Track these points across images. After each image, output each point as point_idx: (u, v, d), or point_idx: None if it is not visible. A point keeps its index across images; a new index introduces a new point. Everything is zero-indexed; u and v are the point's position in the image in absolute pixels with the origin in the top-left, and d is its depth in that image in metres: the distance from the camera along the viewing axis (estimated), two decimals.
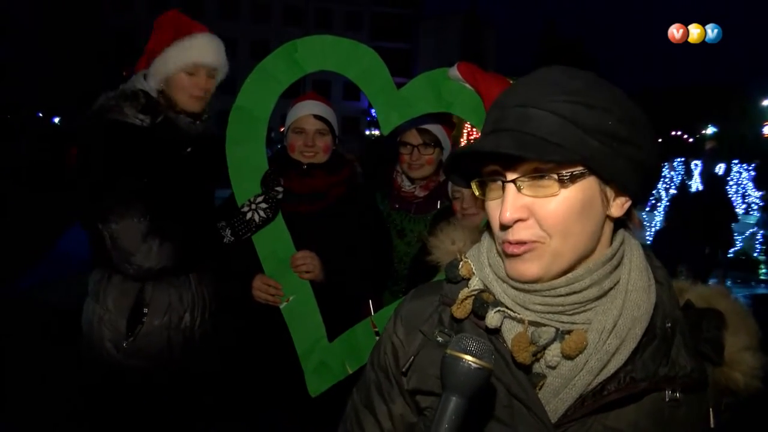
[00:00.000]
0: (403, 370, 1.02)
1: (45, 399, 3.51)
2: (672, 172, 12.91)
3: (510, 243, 0.90)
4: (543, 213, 0.88)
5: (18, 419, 3.33)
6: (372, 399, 1.08)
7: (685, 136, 34.29)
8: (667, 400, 0.90)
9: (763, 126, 22.66)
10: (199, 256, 2.13)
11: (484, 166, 0.93)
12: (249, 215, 2.18)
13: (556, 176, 0.87)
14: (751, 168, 12.33)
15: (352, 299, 2.38)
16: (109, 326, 2.04)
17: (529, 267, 0.89)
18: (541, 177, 0.87)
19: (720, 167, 12.79)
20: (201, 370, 2.19)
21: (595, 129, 0.85)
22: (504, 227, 0.89)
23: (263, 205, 2.19)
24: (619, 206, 0.92)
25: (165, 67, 2.10)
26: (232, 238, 2.15)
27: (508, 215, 0.87)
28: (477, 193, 0.95)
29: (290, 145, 2.38)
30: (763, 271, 9.93)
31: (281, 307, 2.27)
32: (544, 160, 0.85)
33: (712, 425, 0.92)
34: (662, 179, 12.76)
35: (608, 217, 0.93)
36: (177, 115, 2.12)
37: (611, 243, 0.94)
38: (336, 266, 2.31)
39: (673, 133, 34.77)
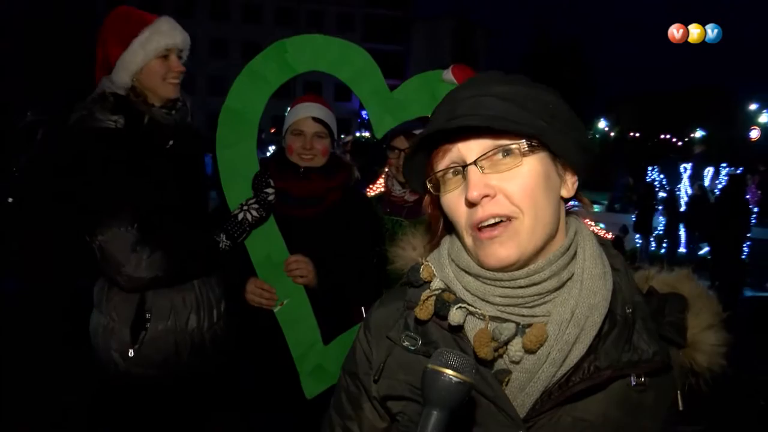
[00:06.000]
0: (375, 378, 1.04)
1: (48, 403, 3.45)
2: (661, 175, 13.01)
3: (482, 227, 0.91)
4: (510, 188, 0.91)
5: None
6: (342, 404, 1.12)
7: (674, 140, 34.52)
8: (633, 384, 0.91)
9: (751, 130, 22.90)
10: (194, 263, 2.06)
11: (436, 164, 0.97)
12: (241, 216, 2.14)
13: (517, 147, 0.91)
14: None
15: (347, 303, 2.35)
16: (114, 336, 1.97)
17: (506, 249, 0.90)
18: (503, 154, 0.91)
19: (708, 171, 12.88)
20: (210, 372, 2.13)
21: (539, 110, 0.92)
22: (472, 206, 0.91)
23: (255, 206, 2.16)
24: (570, 185, 0.98)
25: (135, 59, 1.99)
26: (228, 242, 2.11)
27: (475, 193, 0.90)
28: (434, 192, 0.98)
29: (288, 146, 2.34)
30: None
31: (275, 310, 2.24)
32: (509, 131, 0.89)
33: (680, 407, 0.93)
34: (654, 182, 12.86)
35: (561, 198, 0.97)
36: (151, 107, 2.04)
37: (567, 233, 0.98)
38: (330, 271, 2.28)
39: (662, 136, 34.98)
